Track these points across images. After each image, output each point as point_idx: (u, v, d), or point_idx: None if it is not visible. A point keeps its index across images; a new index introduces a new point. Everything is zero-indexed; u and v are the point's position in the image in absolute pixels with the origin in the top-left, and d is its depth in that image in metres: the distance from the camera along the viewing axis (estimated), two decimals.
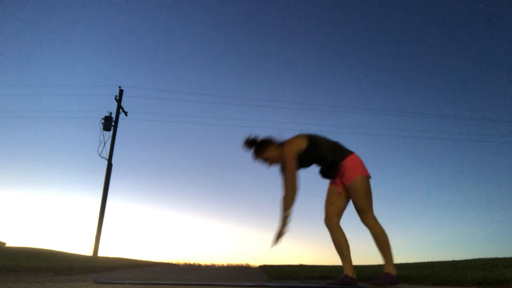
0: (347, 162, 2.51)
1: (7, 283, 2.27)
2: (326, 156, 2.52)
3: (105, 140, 12.50)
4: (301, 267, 8.65)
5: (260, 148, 2.55)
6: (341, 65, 22.14)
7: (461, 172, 19.23)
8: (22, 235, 16.43)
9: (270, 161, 2.55)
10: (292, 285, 2.91)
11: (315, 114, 19.63)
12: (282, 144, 2.54)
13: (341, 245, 2.51)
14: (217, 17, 21.07)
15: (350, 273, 2.47)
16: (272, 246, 2.39)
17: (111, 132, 12.77)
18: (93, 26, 19.44)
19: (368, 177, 2.53)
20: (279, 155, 2.52)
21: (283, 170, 2.50)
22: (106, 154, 12.47)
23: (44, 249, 8.94)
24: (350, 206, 2.58)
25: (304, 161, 2.51)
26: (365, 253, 17.33)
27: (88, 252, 11.19)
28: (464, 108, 20.85)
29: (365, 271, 4.83)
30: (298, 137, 2.53)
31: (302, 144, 2.47)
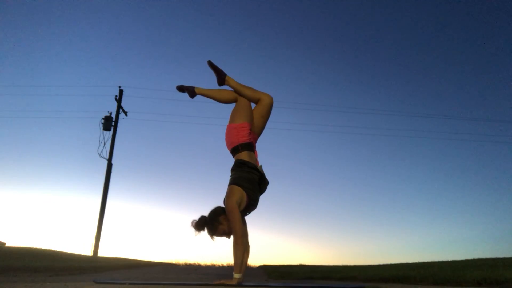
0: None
1: (7, 283, 2.27)
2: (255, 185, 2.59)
3: (105, 140, 12.50)
4: (301, 267, 8.66)
5: (212, 227, 2.51)
6: (341, 65, 22.13)
7: (461, 172, 19.21)
8: (22, 235, 16.38)
9: (228, 235, 2.52)
10: (292, 285, 2.91)
11: (315, 114, 19.62)
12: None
13: None
14: (218, 17, 21.06)
15: None
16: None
17: (111, 132, 12.76)
18: (93, 26, 19.42)
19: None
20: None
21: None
22: (106, 154, 12.47)
23: (44, 249, 8.93)
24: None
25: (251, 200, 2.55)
26: (365, 253, 17.33)
27: (88, 252, 11.20)
28: (464, 108, 20.83)
29: (365, 271, 4.82)
30: (233, 189, 2.50)
31: (240, 194, 2.47)
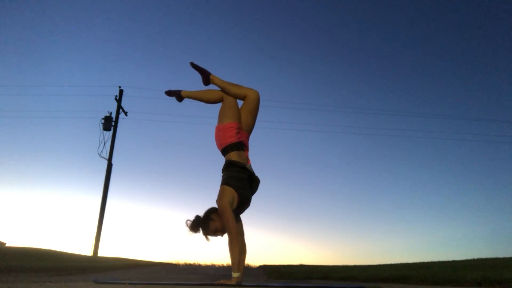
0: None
1: (7, 283, 2.26)
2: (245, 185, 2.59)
3: (105, 140, 12.49)
4: (301, 267, 8.66)
5: (205, 225, 2.54)
6: (341, 65, 22.14)
7: (461, 172, 19.22)
8: (22, 235, 16.40)
9: (221, 232, 2.53)
10: (292, 285, 2.91)
11: (315, 114, 19.63)
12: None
13: None
14: (218, 17, 21.06)
15: None
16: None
17: (111, 132, 12.75)
18: (93, 26, 19.42)
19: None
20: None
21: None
22: (106, 154, 12.46)
23: (44, 249, 8.92)
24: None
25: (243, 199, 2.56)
26: (365, 253, 17.33)
27: (88, 252, 11.20)
28: (464, 108, 20.85)
29: (365, 271, 4.83)
30: (224, 189, 2.52)
31: (231, 193, 2.49)
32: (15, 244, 10.96)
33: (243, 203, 2.57)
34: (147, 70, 19.99)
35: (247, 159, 2.70)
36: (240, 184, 2.54)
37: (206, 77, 2.92)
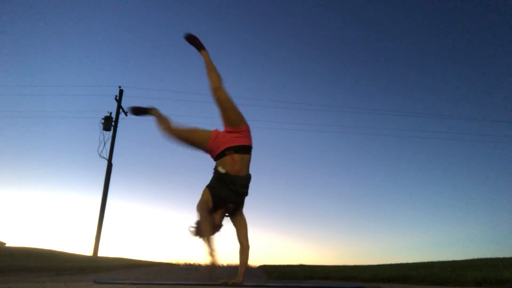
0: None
1: (7, 283, 2.27)
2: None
3: (105, 140, 12.50)
4: (301, 267, 8.65)
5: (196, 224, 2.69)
6: (341, 65, 22.13)
7: (461, 172, 19.22)
8: (22, 235, 16.40)
9: (217, 227, 2.71)
10: (292, 285, 2.92)
11: (315, 114, 19.63)
12: None
13: None
14: (218, 16, 21.06)
15: None
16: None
17: (111, 132, 12.76)
18: (93, 26, 19.42)
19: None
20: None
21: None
22: (106, 154, 12.47)
23: (44, 249, 8.91)
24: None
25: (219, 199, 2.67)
26: (365, 253, 17.33)
27: (88, 252, 11.20)
28: (464, 108, 20.84)
29: (365, 271, 4.83)
30: (202, 191, 2.71)
31: (206, 194, 2.67)
32: (15, 244, 10.97)
33: (219, 202, 2.68)
34: (147, 70, 20.02)
35: (232, 163, 2.69)
36: (214, 185, 2.70)
37: (198, 50, 3.13)
